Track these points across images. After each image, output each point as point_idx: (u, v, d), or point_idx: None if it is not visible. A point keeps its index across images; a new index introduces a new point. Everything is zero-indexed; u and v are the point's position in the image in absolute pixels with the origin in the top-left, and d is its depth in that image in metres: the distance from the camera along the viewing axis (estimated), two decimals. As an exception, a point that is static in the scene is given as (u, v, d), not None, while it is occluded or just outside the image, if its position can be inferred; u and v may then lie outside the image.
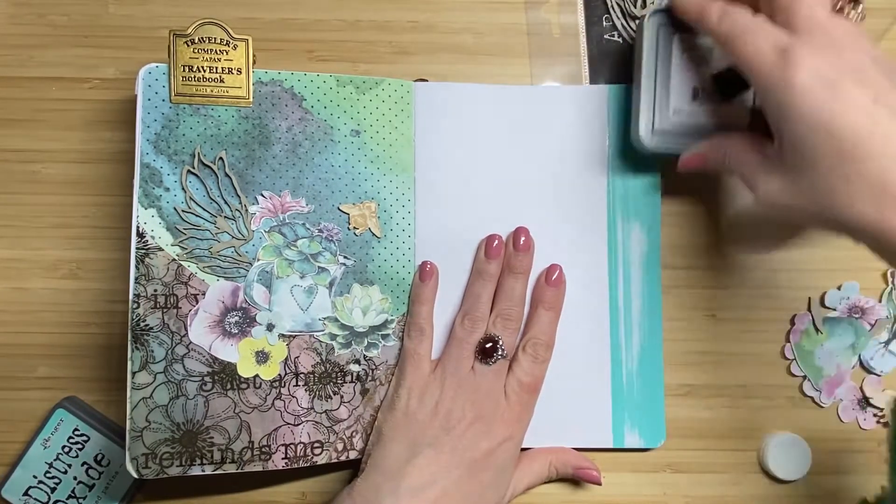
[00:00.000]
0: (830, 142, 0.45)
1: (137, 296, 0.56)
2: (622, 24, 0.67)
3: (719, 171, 0.57)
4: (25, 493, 0.62)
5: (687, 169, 0.60)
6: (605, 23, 0.67)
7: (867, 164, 0.44)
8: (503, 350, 0.60)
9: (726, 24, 0.52)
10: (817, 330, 0.65)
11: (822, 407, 0.65)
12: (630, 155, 0.64)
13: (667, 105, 0.61)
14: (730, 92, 0.60)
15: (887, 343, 0.65)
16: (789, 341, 0.65)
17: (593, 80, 0.67)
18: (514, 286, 0.62)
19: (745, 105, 0.61)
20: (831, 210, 0.46)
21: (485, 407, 0.58)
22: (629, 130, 0.62)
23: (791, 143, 0.48)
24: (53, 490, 0.62)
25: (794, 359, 0.65)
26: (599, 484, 0.64)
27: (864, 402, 0.65)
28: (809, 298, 0.66)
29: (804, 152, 0.47)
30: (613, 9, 0.67)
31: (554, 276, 0.63)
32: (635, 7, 0.67)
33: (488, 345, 0.60)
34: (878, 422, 0.65)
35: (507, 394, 0.59)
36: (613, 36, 0.67)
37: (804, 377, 0.65)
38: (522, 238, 0.63)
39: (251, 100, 0.59)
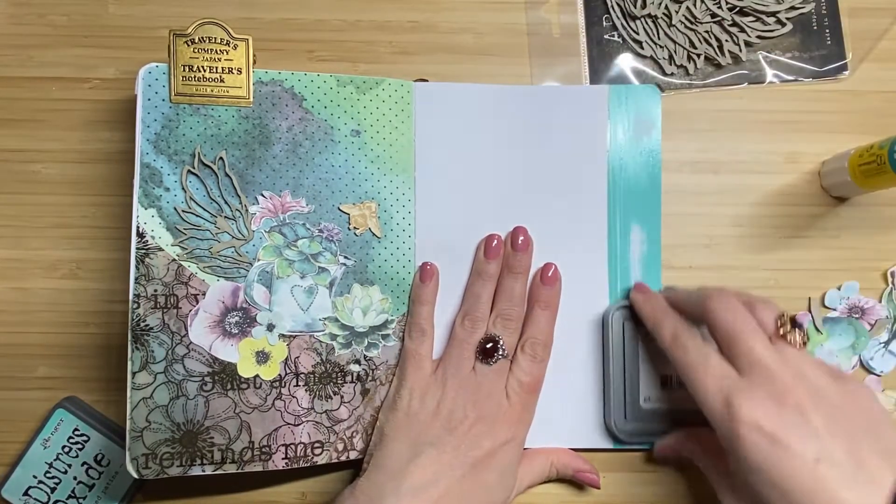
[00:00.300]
0: (780, 497, 0.47)
1: (137, 296, 0.56)
2: (622, 24, 0.67)
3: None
4: (25, 493, 0.62)
5: (662, 456, 0.63)
6: (605, 23, 0.67)
7: None
8: (504, 350, 0.60)
9: (677, 351, 0.55)
10: (817, 330, 0.65)
11: (822, 407, 0.65)
12: (630, 155, 0.64)
13: (637, 395, 0.63)
14: None
15: (887, 343, 0.65)
16: (789, 341, 0.65)
17: (593, 80, 0.67)
18: (513, 286, 0.62)
19: None
20: None
21: (486, 407, 0.58)
22: (604, 414, 0.64)
23: (745, 482, 0.49)
24: (53, 490, 0.62)
25: (794, 359, 0.65)
26: (598, 487, 0.64)
27: (864, 402, 0.65)
28: (809, 298, 0.66)
29: (758, 496, 0.48)
30: (613, 9, 0.67)
31: (549, 274, 0.63)
32: (635, 7, 0.67)
33: (489, 345, 0.60)
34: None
35: (509, 394, 0.59)
36: (613, 36, 0.67)
37: (804, 377, 0.65)
38: (521, 237, 0.63)
39: (251, 100, 0.59)
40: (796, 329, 0.52)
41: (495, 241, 0.63)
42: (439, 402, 0.58)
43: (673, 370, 0.61)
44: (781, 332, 0.52)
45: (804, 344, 0.51)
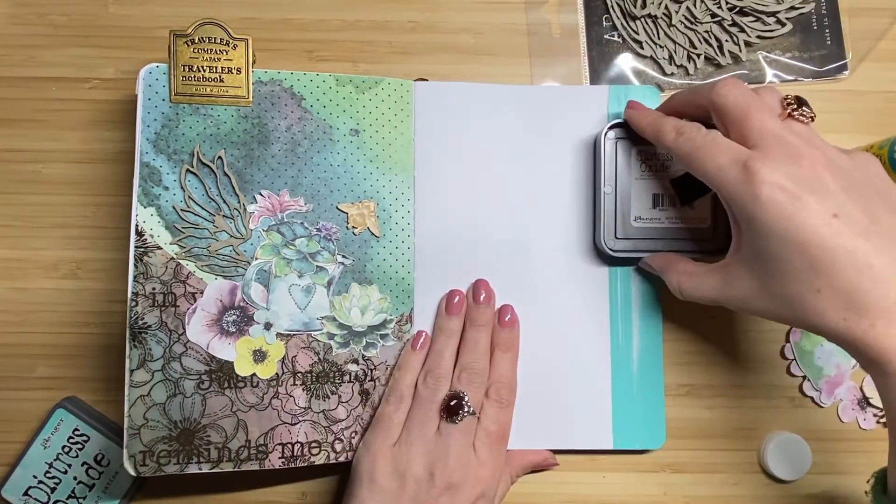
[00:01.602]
0: (800, 255, 0.47)
1: (136, 294, 0.56)
2: (622, 24, 0.67)
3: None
4: (25, 493, 0.62)
5: (647, 266, 0.63)
6: (605, 23, 0.67)
7: (835, 278, 0.46)
8: (469, 407, 0.58)
9: (684, 143, 0.54)
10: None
11: (822, 407, 0.65)
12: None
13: (629, 213, 0.63)
14: (689, 196, 0.62)
15: (887, 343, 0.65)
16: (789, 341, 0.65)
17: (593, 80, 0.67)
18: (477, 339, 0.61)
19: (705, 208, 0.63)
20: (804, 317, 0.48)
21: (455, 473, 0.56)
22: (594, 233, 0.64)
23: (759, 253, 0.50)
24: (53, 490, 0.62)
25: (794, 359, 0.65)
26: (557, 464, 0.64)
27: (864, 402, 0.65)
28: (810, 298, 0.66)
29: (775, 263, 0.49)
30: (613, 9, 0.67)
31: (507, 319, 0.63)
32: (635, 7, 0.67)
33: (453, 402, 0.58)
34: (878, 422, 0.65)
35: (477, 448, 0.58)
36: (613, 36, 0.67)
37: (804, 377, 0.65)
38: (483, 293, 0.63)
39: (250, 99, 0.59)
40: (803, 106, 0.51)
41: (457, 298, 0.62)
42: (405, 473, 0.56)
43: (664, 189, 0.63)
44: (789, 110, 0.51)
45: (812, 119, 0.51)
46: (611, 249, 0.63)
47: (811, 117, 0.51)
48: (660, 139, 0.57)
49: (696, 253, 0.62)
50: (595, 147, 0.64)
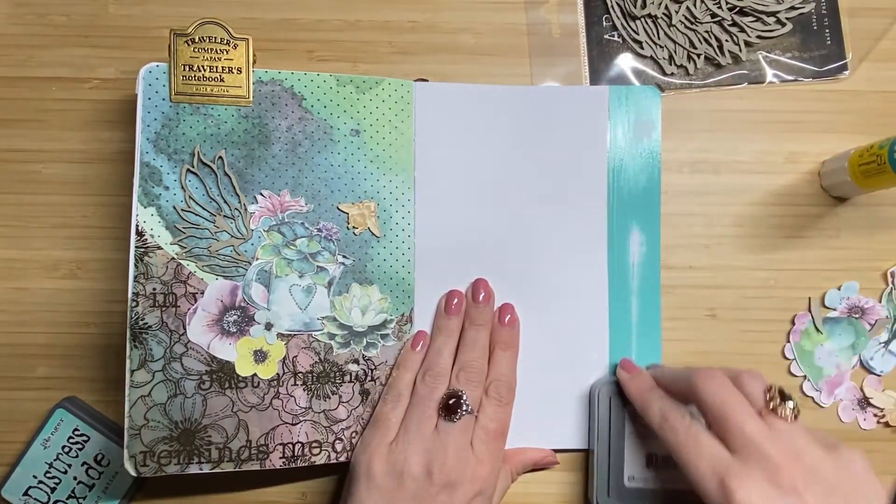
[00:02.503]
0: None
1: (136, 294, 0.56)
2: (622, 24, 0.67)
3: None
4: (25, 493, 0.62)
5: None
6: (605, 23, 0.67)
7: None
8: (467, 405, 0.58)
9: (668, 431, 0.54)
10: (817, 330, 0.65)
11: (822, 407, 0.65)
12: (630, 156, 0.64)
13: (621, 472, 0.62)
14: None
15: (887, 343, 0.65)
16: (789, 341, 0.65)
17: (593, 80, 0.67)
18: (476, 337, 0.62)
19: None
20: None
21: (452, 471, 0.56)
22: (587, 490, 0.64)
23: None
24: (53, 490, 0.62)
25: (794, 359, 0.65)
26: (558, 462, 0.64)
27: (864, 402, 0.65)
28: (809, 298, 0.66)
29: None
30: (613, 9, 0.67)
31: (507, 318, 0.63)
32: (635, 7, 0.67)
33: (451, 401, 0.58)
34: (878, 422, 0.65)
35: (475, 446, 0.58)
36: (613, 36, 0.67)
37: (804, 377, 0.65)
38: (482, 292, 0.63)
39: (251, 99, 0.59)
40: (786, 402, 0.51)
41: (455, 299, 0.63)
42: (402, 471, 0.56)
43: (658, 449, 0.62)
44: (771, 405, 0.51)
45: (795, 417, 0.51)
46: None
47: (795, 414, 0.51)
48: (646, 416, 0.57)
49: None
50: (588, 402, 0.64)
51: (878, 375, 0.65)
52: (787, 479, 0.47)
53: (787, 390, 0.52)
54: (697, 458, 0.50)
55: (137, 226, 0.57)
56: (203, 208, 0.58)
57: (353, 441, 0.60)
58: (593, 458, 0.62)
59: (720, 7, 0.66)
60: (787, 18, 0.67)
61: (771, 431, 0.50)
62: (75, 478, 0.62)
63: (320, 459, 0.59)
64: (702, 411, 0.53)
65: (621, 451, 0.62)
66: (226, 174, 0.58)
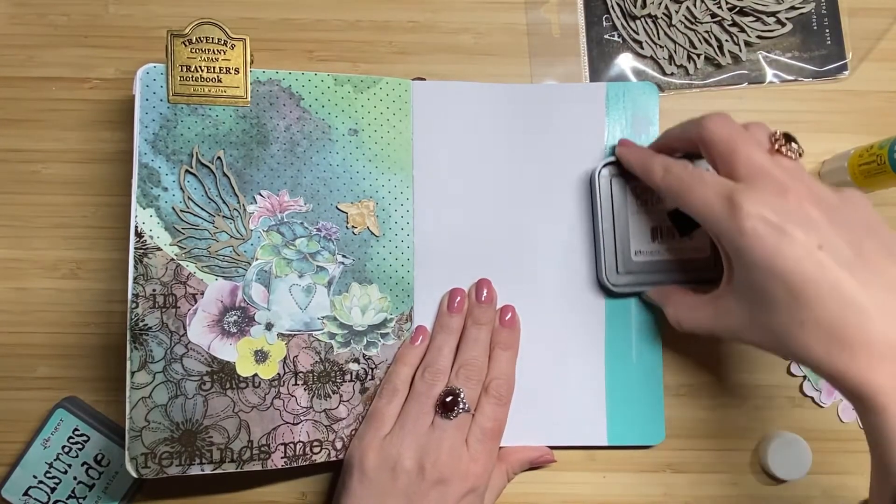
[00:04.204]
0: (784, 288, 0.47)
1: (136, 295, 0.56)
2: (622, 24, 0.67)
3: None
4: (25, 493, 0.62)
5: (649, 299, 0.64)
6: (605, 23, 0.67)
7: (819, 312, 0.46)
8: (465, 403, 0.58)
9: (671, 180, 0.55)
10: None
11: (822, 407, 0.65)
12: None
13: (628, 248, 0.63)
14: (686, 227, 0.63)
15: (887, 343, 0.65)
16: (789, 341, 0.65)
17: (593, 80, 0.67)
18: (477, 336, 0.62)
19: (703, 238, 0.63)
20: (790, 350, 0.48)
21: (445, 467, 0.56)
22: (596, 270, 0.65)
23: (747, 285, 0.50)
24: (53, 490, 0.62)
25: (795, 358, 0.65)
26: (554, 460, 0.64)
27: (865, 401, 0.65)
28: (809, 298, 0.66)
29: (761, 295, 0.49)
30: (613, 9, 0.67)
31: (507, 318, 0.63)
32: (635, 7, 0.67)
33: (448, 398, 0.58)
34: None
35: (470, 444, 0.58)
36: (613, 36, 0.67)
37: (804, 377, 0.65)
38: (485, 291, 0.63)
39: (249, 99, 0.59)
40: (790, 142, 0.52)
41: (458, 298, 0.63)
42: (395, 466, 0.56)
43: (662, 221, 0.63)
44: (777, 146, 0.51)
45: (800, 155, 0.52)
46: (613, 285, 0.63)
47: (799, 153, 0.52)
48: (648, 177, 0.58)
49: (697, 283, 0.62)
50: (590, 185, 0.64)
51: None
52: (793, 197, 0.48)
53: (791, 134, 0.52)
54: (704, 189, 0.51)
55: (136, 227, 0.57)
56: (202, 209, 0.58)
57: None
58: (600, 240, 0.63)
59: (720, 7, 0.66)
60: (787, 18, 0.67)
61: (778, 164, 0.51)
62: (75, 478, 0.62)
63: (321, 458, 0.59)
64: (708, 150, 0.54)
65: (626, 229, 0.63)
66: (224, 174, 0.58)
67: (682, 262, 0.63)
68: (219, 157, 0.58)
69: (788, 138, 0.52)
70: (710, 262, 0.63)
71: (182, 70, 0.58)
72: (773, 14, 0.67)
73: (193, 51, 0.58)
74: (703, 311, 0.56)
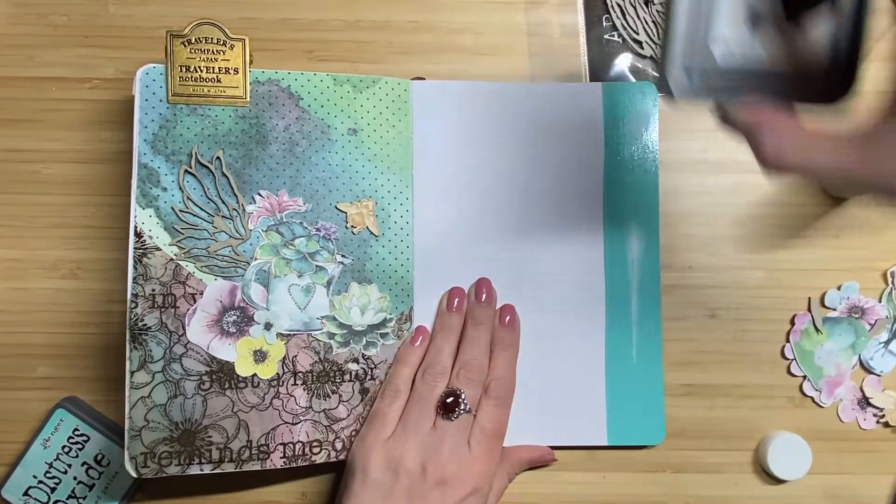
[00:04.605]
0: None
1: (135, 295, 0.56)
2: (622, 24, 0.67)
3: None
4: (25, 493, 0.62)
5: (725, 122, 0.46)
6: (605, 23, 0.67)
7: None
8: (466, 404, 0.58)
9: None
10: (817, 330, 0.65)
11: (822, 407, 0.65)
12: (627, 151, 0.64)
13: (706, 35, 0.45)
14: (798, 6, 0.45)
15: (887, 343, 0.65)
16: (789, 341, 0.65)
17: (593, 80, 0.67)
18: (477, 337, 0.61)
19: (822, 34, 0.46)
20: None
21: (447, 468, 0.56)
22: (662, 64, 0.45)
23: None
24: (53, 490, 0.62)
25: (794, 359, 0.65)
26: (555, 459, 0.64)
27: (864, 402, 0.65)
28: (809, 298, 0.65)
29: None
30: (613, 9, 0.67)
31: (507, 318, 0.63)
32: (635, 7, 0.66)
33: (450, 399, 0.58)
34: (878, 422, 0.65)
35: (471, 446, 0.58)
36: (613, 36, 0.67)
37: (804, 377, 0.65)
38: (485, 291, 0.63)
39: (248, 99, 0.59)
40: None
41: (457, 297, 0.63)
42: (397, 467, 0.56)
43: (765, 1, 0.45)
44: None
45: None
46: (683, 89, 0.45)
47: None
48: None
49: (801, 101, 0.45)
50: None
51: (878, 375, 0.65)
52: None
53: None
54: None
55: (136, 227, 0.57)
56: (201, 209, 0.58)
57: (353, 440, 0.60)
58: (673, 19, 0.44)
59: (720, 6, 0.66)
60: (787, 17, 0.66)
61: None
62: (75, 478, 0.62)
63: (320, 458, 0.59)
64: None
65: (712, 3, 0.44)
66: (224, 175, 0.58)
67: (785, 67, 0.45)
68: (218, 157, 0.58)
69: None
70: (826, 72, 0.46)
71: (181, 70, 0.58)
72: (773, 14, 0.66)
73: (193, 51, 0.58)
74: (834, 144, 0.42)
